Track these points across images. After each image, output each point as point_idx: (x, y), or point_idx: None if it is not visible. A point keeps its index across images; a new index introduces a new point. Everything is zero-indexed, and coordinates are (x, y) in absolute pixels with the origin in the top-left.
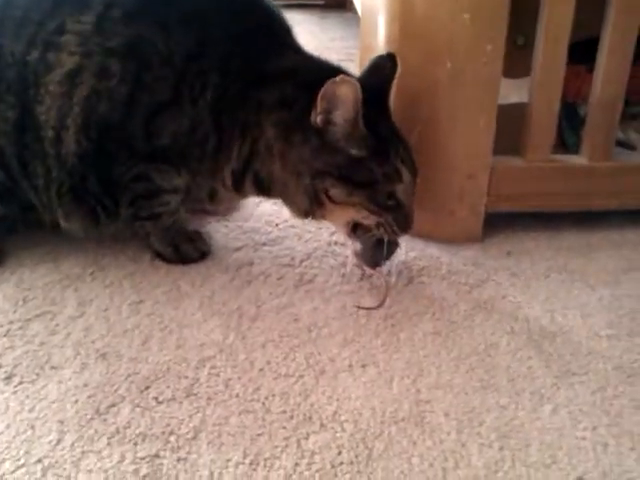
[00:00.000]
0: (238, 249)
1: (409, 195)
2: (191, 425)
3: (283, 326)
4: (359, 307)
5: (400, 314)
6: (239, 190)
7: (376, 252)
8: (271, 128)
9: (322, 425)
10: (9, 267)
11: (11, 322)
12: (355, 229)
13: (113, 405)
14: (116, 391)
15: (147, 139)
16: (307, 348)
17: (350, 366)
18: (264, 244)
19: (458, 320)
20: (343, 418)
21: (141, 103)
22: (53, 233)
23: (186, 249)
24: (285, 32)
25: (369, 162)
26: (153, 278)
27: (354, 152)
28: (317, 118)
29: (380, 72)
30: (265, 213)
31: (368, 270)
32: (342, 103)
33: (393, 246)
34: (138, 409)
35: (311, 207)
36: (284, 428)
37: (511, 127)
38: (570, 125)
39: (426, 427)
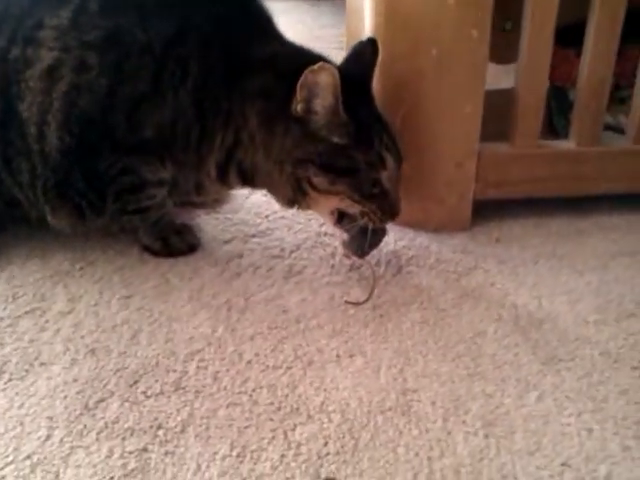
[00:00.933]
0: (227, 241)
1: (394, 182)
2: (179, 419)
3: (272, 318)
4: (347, 302)
5: (388, 304)
6: (224, 181)
7: (362, 241)
8: (254, 117)
9: (309, 416)
10: None
11: (1, 319)
12: (341, 218)
13: (102, 400)
14: (105, 386)
15: (130, 131)
16: (295, 340)
17: (338, 357)
18: (253, 236)
19: (446, 308)
20: (330, 409)
21: (122, 95)
22: (41, 229)
23: (175, 242)
24: (266, 20)
25: (351, 150)
26: (142, 272)
27: (336, 140)
28: (297, 107)
29: (361, 58)
30: (255, 205)
31: (357, 260)
32: (321, 91)
33: (380, 234)
34: (127, 404)
35: (295, 196)
36: (271, 420)
37: (499, 113)
38: (560, 109)
39: (412, 416)
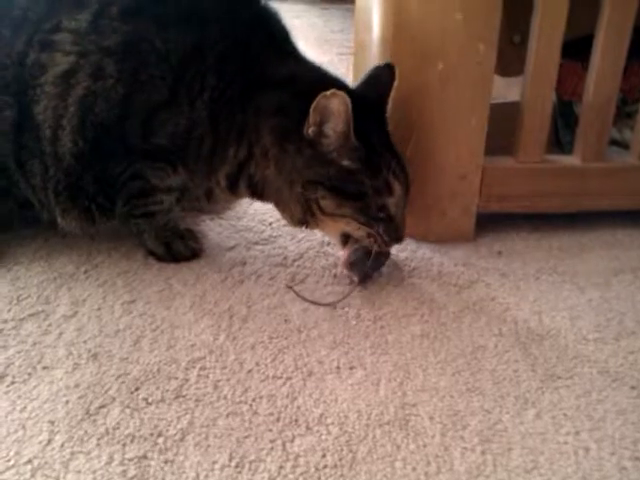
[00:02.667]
0: (231, 248)
1: (400, 208)
2: (179, 427)
3: (273, 327)
4: (306, 299)
5: (389, 315)
6: (234, 192)
7: (365, 263)
8: (268, 134)
9: (308, 428)
10: (5, 264)
11: (5, 321)
12: (347, 240)
13: (103, 406)
14: (106, 392)
15: (144, 138)
16: (296, 350)
17: (338, 368)
18: (257, 243)
19: (447, 322)
20: (329, 421)
21: (138, 103)
22: (48, 231)
23: (178, 247)
24: (284, 36)
25: (360, 174)
26: (146, 277)
27: (345, 164)
28: (309, 130)
29: (377, 83)
30: (259, 212)
31: (357, 280)
32: (333, 116)
33: (383, 257)
34: (128, 410)
35: (304, 216)
36: (270, 431)
37: (504, 126)
38: (566, 123)
39: (410, 431)
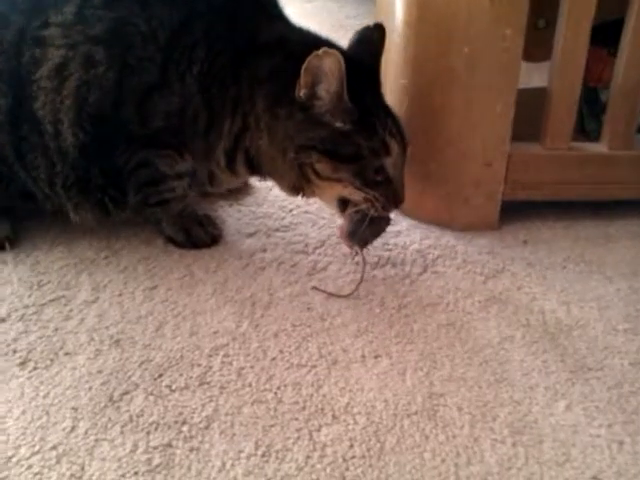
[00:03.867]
0: (251, 235)
1: (398, 169)
2: (204, 414)
3: (296, 315)
4: (326, 292)
5: (414, 304)
6: (233, 170)
7: (364, 229)
8: (261, 102)
9: (334, 417)
10: (24, 250)
11: (26, 306)
12: (344, 206)
13: (126, 393)
14: (129, 378)
15: (141, 123)
16: (320, 338)
17: (363, 357)
18: (277, 230)
19: (473, 311)
20: (355, 410)
21: (131, 87)
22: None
23: (197, 233)
24: (272, 2)
25: (355, 136)
26: (166, 263)
27: (339, 126)
28: (301, 92)
29: (368, 44)
30: (278, 198)
31: (355, 250)
32: (326, 76)
33: (382, 223)
34: (151, 397)
35: (299, 183)
36: (296, 419)
37: (530, 113)
38: (591, 111)
39: (439, 421)
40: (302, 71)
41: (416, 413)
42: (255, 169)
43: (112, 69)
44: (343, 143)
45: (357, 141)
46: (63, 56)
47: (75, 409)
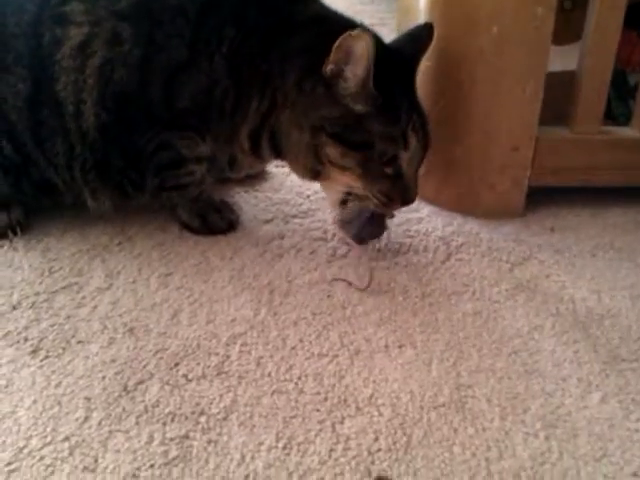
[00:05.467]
0: (268, 221)
1: (413, 167)
2: (222, 405)
3: (316, 303)
4: (350, 283)
5: (438, 292)
6: (257, 153)
7: (362, 226)
8: (292, 76)
9: (358, 409)
10: (35, 236)
11: (37, 293)
12: (346, 202)
13: (141, 382)
14: (144, 367)
15: (166, 104)
16: (341, 326)
17: (386, 346)
18: (295, 216)
19: (500, 300)
20: (380, 402)
21: (157, 66)
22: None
23: (213, 219)
24: None
25: (370, 122)
26: (182, 249)
27: (358, 108)
28: (328, 67)
29: (414, 40)
30: (295, 184)
31: (353, 246)
32: (355, 58)
33: (382, 222)
34: (167, 387)
35: (315, 166)
36: (318, 411)
37: (557, 96)
38: (618, 94)
39: (467, 414)
40: (334, 47)
41: (443, 405)
42: (278, 150)
43: (138, 46)
44: (354, 128)
45: (369, 128)
46: (86, 34)
47: (88, 399)
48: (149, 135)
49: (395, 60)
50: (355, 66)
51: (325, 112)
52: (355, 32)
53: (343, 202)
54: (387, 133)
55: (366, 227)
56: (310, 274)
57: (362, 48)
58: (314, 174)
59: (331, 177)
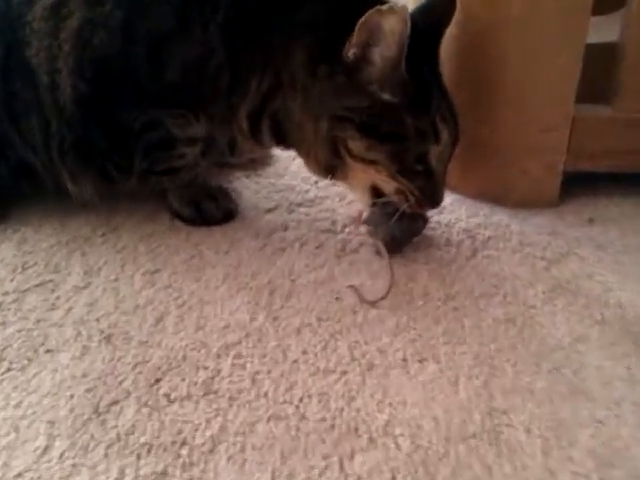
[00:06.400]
0: (270, 210)
1: (442, 162)
2: (208, 434)
3: (322, 306)
4: (362, 299)
5: (463, 295)
6: (256, 137)
7: (392, 228)
8: (299, 53)
9: (371, 440)
10: (12, 225)
11: (5, 293)
12: (378, 197)
13: (115, 402)
14: (120, 384)
15: (153, 76)
16: (351, 335)
17: (404, 360)
18: (300, 205)
19: (536, 304)
20: (397, 431)
21: (142, 31)
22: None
23: (208, 208)
24: None
25: (403, 112)
26: (172, 242)
27: (386, 98)
28: (350, 51)
29: (435, 13)
30: (302, 169)
31: (383, 254)
32: (385, 37)
33: (418, 223)
34: (145, 409)
35: (332, 161)
36: (323, 442)
37: (595, 72)
38: None
39: (503, 446)
40: (357, 26)
41: (474, 436)
42: (280, 137)
43: (119, 7)
44: (385, 119)
45: (403, 118)
46: None
47: (51, 423)
48: (135, 112)
49: (418, 37)
50: (384, 47)
51: (349, 102)
52: (385, 6)
53: (374, 198)
54: (418, 126)
55: (397, 230)
56: (316, 272)
57: (393, 24)
58: (329, 170)
59: (350, 174)
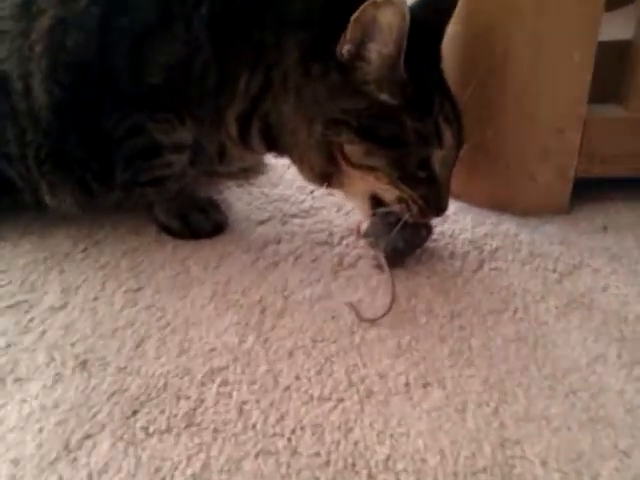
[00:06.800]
0: (263, 222)
1: (447, 168)
2: (189, 472)
3: (317, 326)
4: (361, 318)
5: (470, 312)
6: (245, 141)
7: (393, 239)
8: (293, 52)
9: (370, 476)
10: None
11: None
12: (378, 207)
13: (88, 437)
14: (94, 416)
15: (134, 78)
16: (349, 358)
17: (407, 385)
18: (295, 216)
19: (549, 321)
20: (399, 466)
21: (121, 30)
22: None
23: (196, 220)
24: None
25: (402, 114)
26: (157, 257)
27: (384, 98)
28: (344, 48)
29: (437, 6)
30: (297, 177)
31: (383, 267)
32: (381, 33)
33: (422, 233)
34: (120, 444)
35: (327, 167)
36: None
37: (609, 70)
38: None
39: None
40: (351, 21)
41: (484, 470)
42: (272, 142)
43: (96, 3)
44: (385, 122)
45: (403, 121)
46: None
47: (16, 462)
48: (115, 117)
49: (417, 32)
50: (381, 43)
51: (344, 104)
52: (381, 0)
53: (374, 208)
54: (419, 129)
55: (400, 241)
56: (311, 288)
57: (391, 17)
58: (325, 177)
59: (347, 182)
